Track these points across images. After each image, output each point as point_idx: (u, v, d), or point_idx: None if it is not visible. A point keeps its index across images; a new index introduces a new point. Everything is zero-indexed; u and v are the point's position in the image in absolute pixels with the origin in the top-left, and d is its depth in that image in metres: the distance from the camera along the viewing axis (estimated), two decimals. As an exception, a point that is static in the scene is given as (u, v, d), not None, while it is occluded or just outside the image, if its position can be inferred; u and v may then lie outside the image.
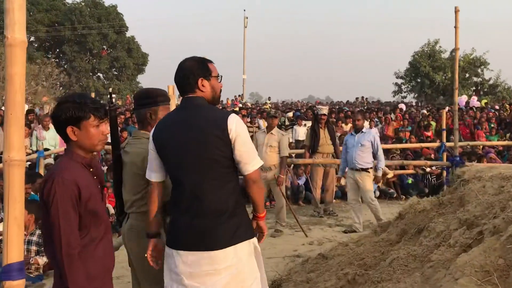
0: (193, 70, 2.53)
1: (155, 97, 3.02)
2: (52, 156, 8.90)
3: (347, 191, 7.63)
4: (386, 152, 10.61)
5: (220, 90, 2.65)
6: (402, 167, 10.16)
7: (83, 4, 37.59)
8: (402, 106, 20.86)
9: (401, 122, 14.34)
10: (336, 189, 9.06)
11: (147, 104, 2.98)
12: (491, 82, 30.92)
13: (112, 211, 6.59)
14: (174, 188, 2.56)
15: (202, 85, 2.53)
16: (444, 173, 9.79)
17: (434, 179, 10.06)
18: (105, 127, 2.34)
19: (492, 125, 13.89)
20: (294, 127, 13.75)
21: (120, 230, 3.51)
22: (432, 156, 10.61)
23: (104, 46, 38.01)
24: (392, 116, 15.51)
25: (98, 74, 39.13)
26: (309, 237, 6.80)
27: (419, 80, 32.11)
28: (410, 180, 10.15)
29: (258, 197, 2.56)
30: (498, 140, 12.61)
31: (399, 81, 33.60)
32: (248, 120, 14.44)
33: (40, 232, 4.73)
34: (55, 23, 36.72)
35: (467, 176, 4.09)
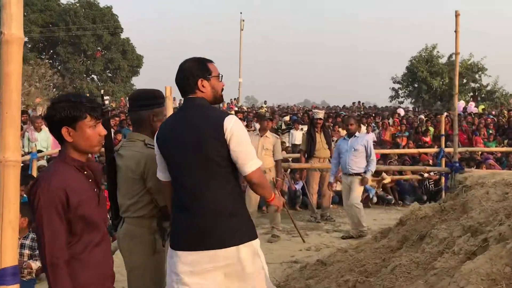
0: (193, 71, 2.54)
1: (157, 98, 2.97)
2: (45, 158, 8.79)
3: (343, 196, 7.57)
4: (384, 157, 10.60)
5: (222, 89, 2.65)
6: (400, 173, 10.12)
7: (77, 5, 37.34)
8: (401, 111, 20.60)
9: (399, 127, 14.33)
10: (333, 194, 8.98)
11: (148, 105, 2.92)
12: (488, 88, 30.90)
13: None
14: (175, 188, 2.57)
15: (202, 86, 2.54)
16: (443, 179, 9.74)
17: (432, 185, 10.02)
18: (102, 128, 2.27)
19: (490, 131, 13.90)
20: (291, 131, 13.65)
21: (115, 234, 3.44)
22: (430, 162, 10.58)
23: (99, 48, 37.70)
24: (390, 121, 15.49)
25: (92, 75, 38.80)
26: (306, 242, 6.73)
27: (416, 85, 32.00)
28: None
29: (263, 193, 2.63)
30: (496, 146, 12.62)
31: (396, 86, 33.57)
32: (245, 123, 14.40)
33: (33, 236, 4.64)
34: (49, 24, 36.41)
35: (469, 182, 4.05)
